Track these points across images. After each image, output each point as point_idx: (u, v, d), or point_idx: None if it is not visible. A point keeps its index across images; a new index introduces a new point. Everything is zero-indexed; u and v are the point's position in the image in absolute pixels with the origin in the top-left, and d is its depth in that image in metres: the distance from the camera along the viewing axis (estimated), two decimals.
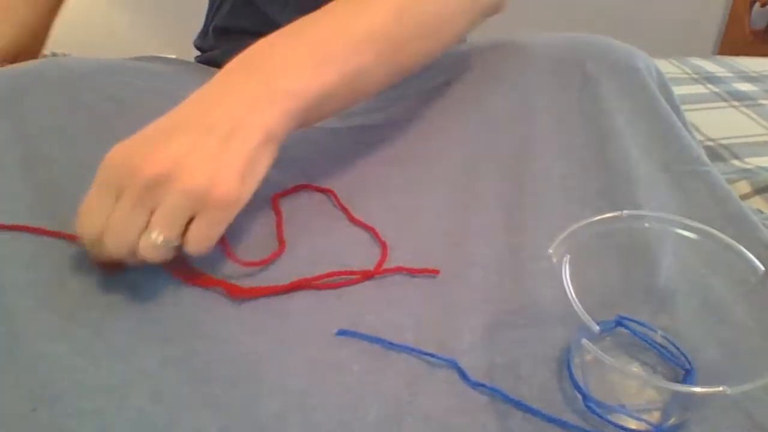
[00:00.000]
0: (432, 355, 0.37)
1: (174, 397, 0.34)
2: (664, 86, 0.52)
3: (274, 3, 0.62)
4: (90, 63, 0.50)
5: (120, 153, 0.35)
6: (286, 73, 0.39)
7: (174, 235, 0.35)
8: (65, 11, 0.67)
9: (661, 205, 0.44)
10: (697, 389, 0.29)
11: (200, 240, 0.36)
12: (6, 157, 0.41)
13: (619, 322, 0.39)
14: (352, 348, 0.38)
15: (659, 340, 0.38)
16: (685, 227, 0.37)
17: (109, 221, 0.35)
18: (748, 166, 0.70)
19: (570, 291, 0.32)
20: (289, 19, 0.62)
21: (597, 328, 0.31)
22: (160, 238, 0.35)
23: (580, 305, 0.31)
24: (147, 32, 1.62)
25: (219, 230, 0.36)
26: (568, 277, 0.33)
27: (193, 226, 0.35)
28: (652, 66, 0.52)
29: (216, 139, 0.35)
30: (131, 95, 0.49)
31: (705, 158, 0.48)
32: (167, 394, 0.34)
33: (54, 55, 1.20)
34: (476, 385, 0.35)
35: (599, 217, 0.37)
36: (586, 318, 0.31)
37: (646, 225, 0.38)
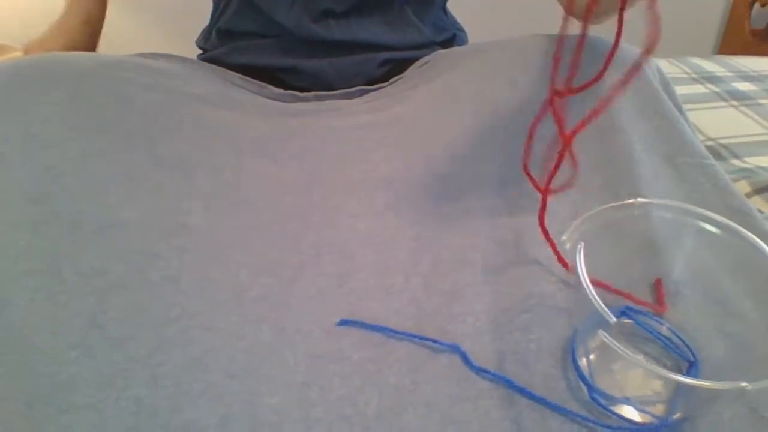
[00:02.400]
0: (434, 341, 0.36)
1: (172, 383, 0.34)
2: (667, 86, 0.52)
3: (279, 5, 0.62)
4: (91, 58, 0.50)
5: None
6: None
7: None
8: None
9: (665, 197, 0.44)
10: (717, 384, 0.28)
11: None
12: (6, 148, 0.41)
13: (624, 312, 0.38)
14: (353, 337, 0.37)
15: (664, 331, 0.38)
16: (697, 217, 0.37)
17: None
18: (748, 166, 0.70)
19: (585, 279, 0.31)
20: (295, 22, 0.62)
21: (614, 319, 0.30)
22: None
23: (595, 294, 0.31)
24: (148, 32, 1.62)
25: None
26: (583, 264, 0.32)
27: None
28: (655, 66, 0.53)
29: None
30: (132, 90, 0.48)
31: (708, 153, 0.48)
32: (165, 380, 0.34)
33: None
34: (479, 371, 0.35)
35: (612, 205, 0.36)
36: (602, 308, 0.30)
37: (656, 214, 0.37)
